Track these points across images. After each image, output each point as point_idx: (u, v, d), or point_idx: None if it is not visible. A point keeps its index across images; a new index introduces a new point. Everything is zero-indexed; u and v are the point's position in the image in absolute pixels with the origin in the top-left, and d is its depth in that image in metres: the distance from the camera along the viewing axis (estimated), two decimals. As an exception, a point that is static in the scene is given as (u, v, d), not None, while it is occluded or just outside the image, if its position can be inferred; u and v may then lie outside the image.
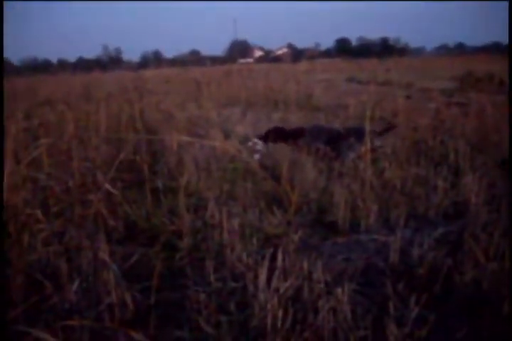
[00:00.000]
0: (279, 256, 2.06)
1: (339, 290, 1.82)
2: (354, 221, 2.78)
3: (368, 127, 3.36)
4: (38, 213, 2.51)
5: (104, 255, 2.10)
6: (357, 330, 1.74)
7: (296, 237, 2.39)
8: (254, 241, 2.42)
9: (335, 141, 3.90)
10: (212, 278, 2.13)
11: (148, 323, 1.83)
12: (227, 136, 4.90)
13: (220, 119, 6.26)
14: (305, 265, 2.05)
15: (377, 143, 4.06)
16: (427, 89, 10.01)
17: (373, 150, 3.67)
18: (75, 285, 2.03)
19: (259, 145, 3.74)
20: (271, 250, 2.23)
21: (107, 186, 2.87)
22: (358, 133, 3.83)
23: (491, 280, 2.01)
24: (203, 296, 1.95)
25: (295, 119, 6.14)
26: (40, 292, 2.00)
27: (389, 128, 4.08)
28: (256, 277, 2.02)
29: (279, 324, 1.77)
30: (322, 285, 1.92)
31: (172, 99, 8.63)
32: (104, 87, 11.03)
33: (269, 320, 1.78)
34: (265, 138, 4.06)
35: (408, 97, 8.47)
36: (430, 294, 1.96)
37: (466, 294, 2.02)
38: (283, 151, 3.82)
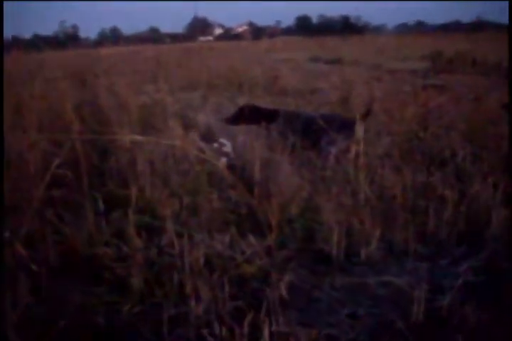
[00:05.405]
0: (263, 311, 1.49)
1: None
2: (350, 248, 2.19)
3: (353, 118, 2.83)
4: None
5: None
6: None
7: (282, 285, 1.79)
8: (226, 285, 1.83)
9: (313, 133, 3.34)
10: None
11: None
12: (187, 127, 4.22)
13: (179, 106, 5.55)
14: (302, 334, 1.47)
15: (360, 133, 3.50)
16: (397, 71, 9.50)
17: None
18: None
19: (227, 146, 3.12)
20: (249, 299, 1.66)
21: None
22: (342, 127, 3.27)
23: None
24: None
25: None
26: None
27: (367, 112, 3.48)
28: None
29: None
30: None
31: (127, 81, 7.85)
32: (55, 67, 10.11)
33: None
34: (236, 117, 3.59)
35: (379, 80, 7.90)
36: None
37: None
38: (254, 150, 3.19)
